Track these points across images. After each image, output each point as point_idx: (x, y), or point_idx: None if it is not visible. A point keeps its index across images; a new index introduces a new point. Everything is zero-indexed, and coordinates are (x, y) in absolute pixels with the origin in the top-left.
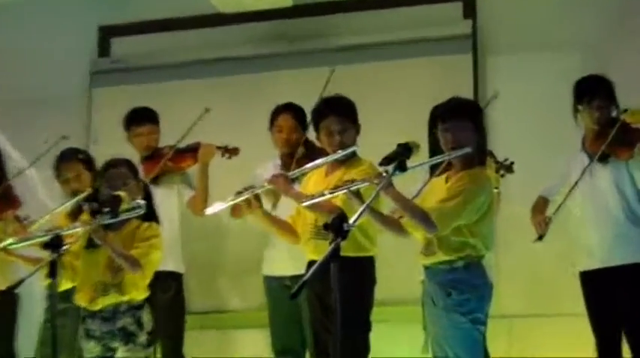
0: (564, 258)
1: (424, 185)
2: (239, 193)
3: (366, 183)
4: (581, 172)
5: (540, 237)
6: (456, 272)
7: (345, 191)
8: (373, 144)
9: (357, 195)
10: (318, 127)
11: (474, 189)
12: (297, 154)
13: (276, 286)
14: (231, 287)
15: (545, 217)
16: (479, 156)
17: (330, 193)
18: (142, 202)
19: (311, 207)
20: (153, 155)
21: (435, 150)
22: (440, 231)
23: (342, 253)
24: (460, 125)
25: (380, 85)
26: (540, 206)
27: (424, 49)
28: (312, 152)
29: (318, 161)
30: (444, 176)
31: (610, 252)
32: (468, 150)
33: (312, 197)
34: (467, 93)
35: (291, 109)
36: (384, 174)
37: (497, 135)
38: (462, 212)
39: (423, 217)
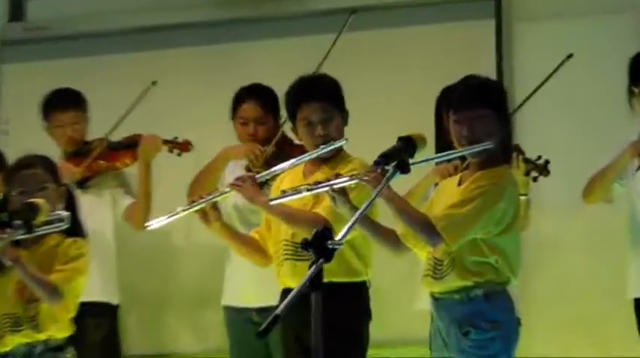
0: (613, 286)
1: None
2: (192, 202)
3: (355, 180)
4: (637, 168)
5: None
6: (473, 303)
7: (327, 188)
8: (368, 137)
9: (343, 193)
10: (295, 116)
11: (493, 192)
12: (267, 151)
13: (239, 321)
14: (182, 323)
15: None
16: (502, 152)
17: (308, 190)
18: (64, 213)
19: (286, 218)
20: (79, 151)
21: (443, 143)
22: (448, 245)
23: (327, 278)
24: (478, 114)
25: (379, 60)
26: (597, 178)
27: (435, 14)
28: (287, 148)
29: (294, 159)
30: (457, 177)
31: None
32: (488, 145)
33: (285, 192)
34: (488, 69)
35: (257, 95)
36: (378, 170)
37: (526, 125)
38: (477, 221)
39: (425, 225)
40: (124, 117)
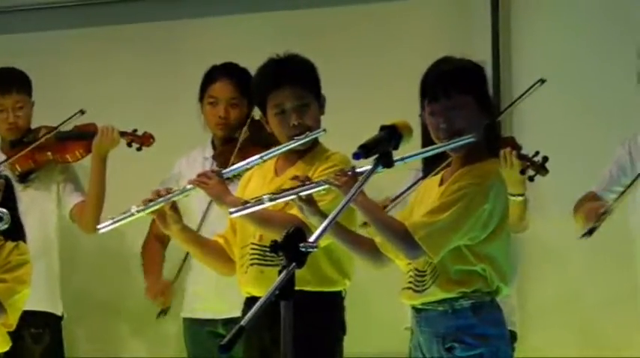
0: (618, 294)
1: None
2: (148, 201)
3: (323, 186)
4: (581, 236)
5: (591, 231)
6: (459, 316)
7: (292, 197)
8: (347, 126)
9: (311, 202)
10: (265, 103)
11: (477, 193)
12: (239, 140)
13: (201, 334)
14: (136, 333)
15: (600, 205)
16: (487, 144)
17: (271, 199)
18: (2, 210)
19: (258, 220)
20: (22, 140)
21: (429, 137)
22: (430, 256)
23: (298, 286)
24: (455, 103)
25: (360, 39)
26: (589, 200)
27: None
28: (259, 138)
29: (264, 153)
30: (438, 176)
31: None
32: (471, 138)
33: (247, 203)
34: (483, 46)
35: (231, 74)
36: (350, 173)
37: (522, 117)
38: (460, 228)
39: (402, 236)
40: (47, 135)
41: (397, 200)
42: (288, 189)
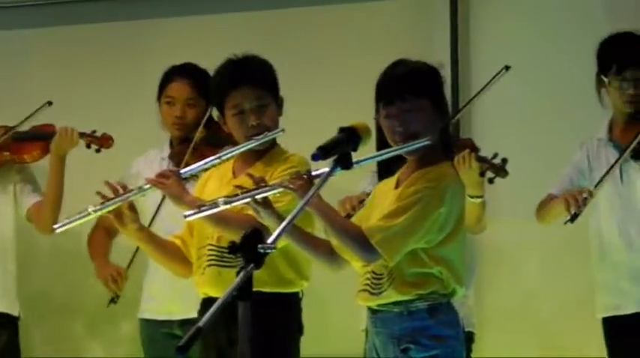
0: (574, 298)
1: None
2: (105, 199)
3: (278, 189)
4: (605, 172)
5: (574, 217)
6: (415, 318)
7: (247, 199)
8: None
9: (266, 205)
10: (223, 104)
11: (432, 196)
12: (194, 140)
13: (157, 335)
14: (93, 336)
15: (580, 190)
16: (442, 146)
17: (226, 203)
18: None
19: (217, 221)
20: None
21: (384, 140)
22: (386, 260)
23: (256, 288)
24: (411, 106)
25: (318, 39)
26: (550, 203)
27: None
28: (216, 138)
29: (223, 153)
30: (394, 178)
31: None
32: (427, 141)
33: (201, 206)
34: (442, 46)
35: (188, 74)
36: (305, 176)
37: (479, 119)
38: (416, 231)
39: (358, 240)
40: (16, 127)
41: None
42: (243, 192)
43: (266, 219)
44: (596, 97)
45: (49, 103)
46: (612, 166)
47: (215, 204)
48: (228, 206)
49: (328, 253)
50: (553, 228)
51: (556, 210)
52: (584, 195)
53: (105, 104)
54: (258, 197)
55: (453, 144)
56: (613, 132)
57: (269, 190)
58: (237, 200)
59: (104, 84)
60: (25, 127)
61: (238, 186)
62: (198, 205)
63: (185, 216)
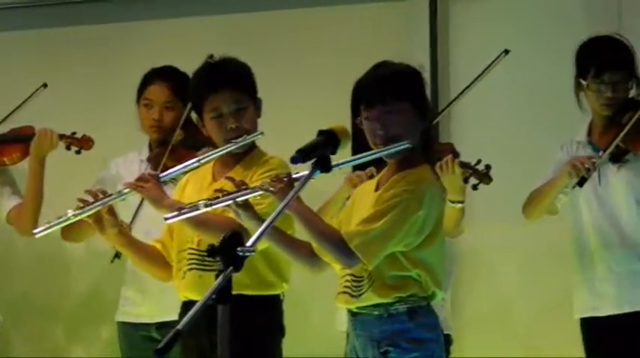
0: (551, 301)
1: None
2: (85, 203)
3: (258, 192)
4: (574, 186)
5: (582, 181)
6: (395, 321)
7: (228, 203)
8: (284, 130)
9: (247, 207)
10: (201, 107)
11: (411, 200)
12: (172, 142)
13: (135, 338)
14: (73, 339)
15: (589, 156)
16: (422, 149)
17: (207, 205)
18: None
19: (196, 224)
20: None
21: (361, 143)
22: (365, 264)
23: (236, 290)
24: (392, 109)
25: (298, 42)
26: (538, 196)
27: None
28: (195, 141)
29: (202, 156)
30: (373, 181)
31: (627, 293)
32: (406, 144)
33: (182, 209)
34: (421, 53)
35: (167, 77)
36: (286, 179)
37: (459, 121)
38: (395, 235)
39: (338, 244)
40: (11, 114)
41: None
42: (224, 195)
43: (247, 222)
44: (575, 100)
45: (45, 86)
46: (609, 148)
47: (195, 207)
48: (208, 208)
49: (309, 255)
50: (530, 231)
51: (557, 185)
52: (593, 160)
53: (85, 106)
54: (238, 200)
55: (434, 147)
56: (592, 135)
57: (250, 193)
58: (218, 202)
59: (84, 86)
60: (4, 130)
61: (219, 190)
62: (179, 208)
63: (165, 219)
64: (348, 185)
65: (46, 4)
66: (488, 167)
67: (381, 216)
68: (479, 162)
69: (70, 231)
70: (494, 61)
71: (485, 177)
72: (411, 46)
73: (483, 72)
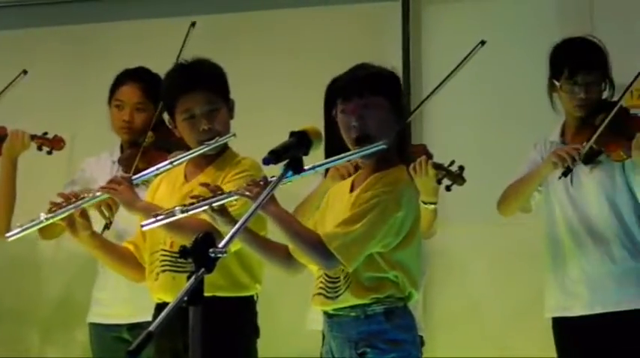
0: (522, 302)
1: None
2: (57, 206)
3: (234, 197)
4: (560, 176)
5: (567, 172)
6: (372, 322)
7: (205, 207)
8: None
9: (223, 212)
10: (174, 108)
11: (389, 201)
12: (143, 144)
13: (106, 339)
14: (46, 342)
15: (574, 146)
16: (398, 150)
17: (183, 211)
18: None
19: (169, 226)
20: None
21: (333, 143)
22: (345, 266)
23: (210, 292)
24: (369, 102)
25: (271, 43)
26: (513, 190)
27: None
28: (166, 142)
29: (174, 159)
30: (348, 181)
31: (598, 294)
32: (383, 145)
33: (158, 216)
34: (394, 54)
35: (139, 78)
36: (262, 182)
37: (432, 122)
38: (374, 237)
39: (316, 246)
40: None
41: None
42: (199, 200)
43: (223, 227)
44: (549, 102)
45: (24, 72)
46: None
47: (172, 213)
48: (185, 214)
49: (285, 257)
50: (502, 231)
51: (539, 175)
52: (578, 149)
53: (58, 106)
54: (214, 205)
55: (408, 147)
56: (565, 136)
57: (225, 198)
58: (194, 208)
59: (57, 86)
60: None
61: (195, 197)
62: (155, 214)
63: (142, 226)
64: (331, 178)
65: (22, 4)
66: (461, 168)
67: (360, 218)
68: (452, 163)
69: (45, 230)
70: (471, 51)
71: (458, 178)
72: (384, 48)
73: (461, 63)
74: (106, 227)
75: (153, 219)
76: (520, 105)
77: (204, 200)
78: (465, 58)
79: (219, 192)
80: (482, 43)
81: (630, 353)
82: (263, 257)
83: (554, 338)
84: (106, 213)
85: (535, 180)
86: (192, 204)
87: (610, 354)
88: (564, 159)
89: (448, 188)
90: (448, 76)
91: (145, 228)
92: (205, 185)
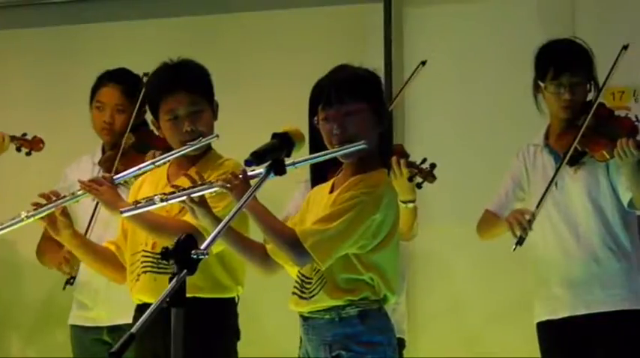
0: (505, 304)
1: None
2: (37, 206)
3: (214, 189)
4: (552, 179)
5: (521, 241)
6: (346, 324)
7: (184, 197)
8: (240, 132)
9: (202, 204)
10: (157, 109)
11: (367, 203)
12: (122, 145)
13: (86, 341)
14: (27, 343)
15: (521, 212)
16: (380, 153)
17: (162, 200)
18: None
19: (151, 226)
20: None
21: (318, 146)
22: (318, 264)
23: (191, 294)
24: (350, 109)
25: (253, 45)
26: (491, 222)
27: None
28: (148, 143)
29: (156, 159)
30: (329, 183)
31: (582, 296)
32: (362, 144)
33: (138, 203)
34: (375, 56)
35: (119, 79)
36: (241, 176)
37: (410, 124)
38: (349, 237)
39: (291, 242)
40: None
41: None
42: (180, 190)
43: (201, 219)
44: (532, 103)
45: None
46: (551, 182)
47: (152, 201)
48: (164, 203)
49: (262, 257)
50: None
51: (499, 230)
52: (528, 217)
53: (38, 108)
54: (194, 195)
55: (391, 150)
56: (549, 138)
57: (206, 188)
58: (174, 197)
59: (37, 88)
60: None
61: (175, 186)
62: (135, 201)
63: (121, 212)
64: None
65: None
66: (432, 166)
67: (337, 217)
68: (424, 161)
69: (42, 257)
70: (412, 73)
71: (429, 175)
72: (366, 50)
73: (404, 85)
74: (68, 282)
75: (132, 206)
76: (504, 105)
77: (184, 190)
78: (408, 79)
79: (200, 183)
80: (423, 63)
81: (614, 354)
82: (242, 256)
83: (538, 341)
84: (66, 270)
85: (498, 231)
86: (173, 193)
87: (594, 355)
88: (514, 228)
89: (419, 185)
90: (395, 97)
91: (124, 215)
92: (187, 176)
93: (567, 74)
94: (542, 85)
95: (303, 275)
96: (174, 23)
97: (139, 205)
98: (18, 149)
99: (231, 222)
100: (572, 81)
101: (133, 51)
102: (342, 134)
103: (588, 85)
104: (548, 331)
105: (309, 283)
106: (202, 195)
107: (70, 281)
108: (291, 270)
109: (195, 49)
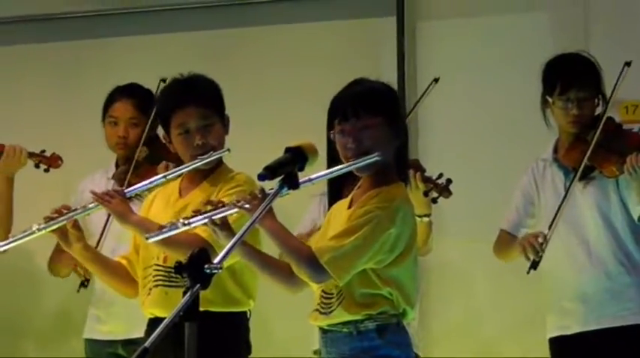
0: (520, 319)
1: None
2: (49, 219)
3: (235, 210)
4: (565, 195)
5: (535, 265)
6: (364, 338)
7: (206, 220)
8: (252, 147)
9: (225, 226)
10: (168, 123)
11: (383, 217)
12: (135, 158)
13: (102, 355)
14: (40, 352)
15: (535, 235)
16: (397, 167)
17: (185, 224)
18: None
19: (162, 240)
20: None
21: (335, 159)
22: (335, 280)
23: (204, 307)
24: (366, 123)
25: (267, 59)
26: (507, 243)
27: (333, 10)
28: (161, 154)
29: (168, 172)
30: (347, 199)
31: (594, 310)
32: (376, 156)
33: (162, 229)
34: (389, 69)
35: (131, 94)
36: (259, 195)
37: (426, 139)
38: (366, 252)
39: (308, 259)
40: None
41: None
42: (201, 213)
43: (224, 240)
44: (537, 118)
45: None
46: (562, 203)
47: (175, 226)
48: (187, 227)
49: (287, 275)
50: None
51: (515, 253)
52: (540, 240)
53: (54, 124)
54: (216, 218)
55: (407, 164)
56: (558, 153)
57: (226, 210)
58: (197, 221)
59: (54, 104)
60: None
61: (197, 211)
62: (160, 226)
63: (147, 238)
64: None
65: (14, 20)
66: (449, 181)
67: (353, 233)
68: (440, 176)
69: (54, 267)
70: (425, 91)
71: (445, 190)
72: (379, 63)
73: (417, 102)
74: (82, 285)
75: (158, 232)
76: (515, 120)
77: (205, 213)
78: (420, 97)
79: (220, 205)
80: (436, 80)
81: None
82: (265, 273)
83: (550, 356)
84: (81, 271)
85: (514, 255)
86: (195, 216)
87: None
88: (527, 251)
89: (434, 200)
90: (408, 114)
91: (150, 241)
92: (209, 203)
93: (575, 89)
94: (549, 99)
95: (324, 292)
96: (184, 38)
97: (163, 230)
98: (36, 166)
99: (247, 239)
100: (579, 96)
101: (147, 66)
102: (357, 148)
103: (596, 100)
104: (560, 346)
105: (329, 299)
106: (224, 217)
107: (85, 283)
108: (314, 286)
109: (208, 63)
